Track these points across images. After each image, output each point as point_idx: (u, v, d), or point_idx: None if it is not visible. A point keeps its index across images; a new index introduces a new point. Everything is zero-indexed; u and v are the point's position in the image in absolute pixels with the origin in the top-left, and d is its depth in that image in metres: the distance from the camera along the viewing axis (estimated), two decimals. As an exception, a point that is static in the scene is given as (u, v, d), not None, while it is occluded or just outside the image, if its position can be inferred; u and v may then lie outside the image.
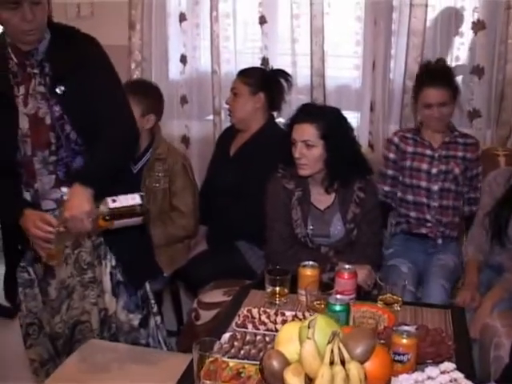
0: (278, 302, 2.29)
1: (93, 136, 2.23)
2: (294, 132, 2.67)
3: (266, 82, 3.24)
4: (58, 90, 2.21)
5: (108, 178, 2.22)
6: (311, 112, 2.71)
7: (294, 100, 3.64)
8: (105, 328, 2.54)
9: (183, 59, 3.93)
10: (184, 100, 3.98)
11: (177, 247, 3.25)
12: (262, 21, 3.77)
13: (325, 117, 2.67)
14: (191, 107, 3.97)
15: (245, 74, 3.27)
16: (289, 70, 3.62)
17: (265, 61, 3.79)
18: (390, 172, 3.20)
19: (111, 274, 2.48)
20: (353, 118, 3.57)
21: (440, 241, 3.14)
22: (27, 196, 2.31)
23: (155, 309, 2.65)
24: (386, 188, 3.21)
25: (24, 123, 2.23)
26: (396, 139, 3.18)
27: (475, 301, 2.72)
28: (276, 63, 3.79)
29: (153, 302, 2.63)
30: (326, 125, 2.63)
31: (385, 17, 3.58)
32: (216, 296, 2.88)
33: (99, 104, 2.23)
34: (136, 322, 2.56)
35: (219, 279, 3.02)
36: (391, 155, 3.19)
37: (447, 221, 3.13)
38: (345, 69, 3.92)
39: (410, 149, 3.15)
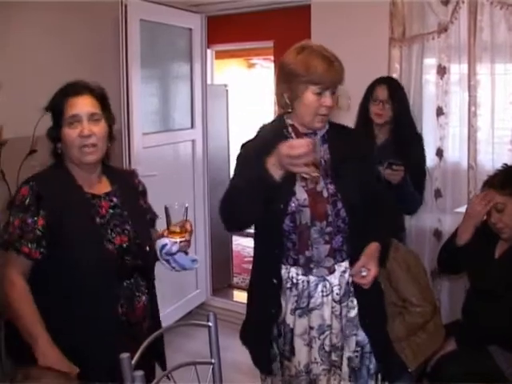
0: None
1: (358, 216, 2.41)
2: None
3: None
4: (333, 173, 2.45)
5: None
6: None
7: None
8: None
9: (439, 153, 3.97)
10: (438, 193, 3.99)
11: (419, 339, 3.19)
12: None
13: None
14: (445, 200, 3.96)
15: None
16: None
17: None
18: None
19: (349, 358, 2.49)
20: None
21: None
22: (298, 261, 2.44)
23: None
24: None
25: (301, 194, 2.40)
26: None
27: None
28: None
29: None
30: None
31: None
32: (464, 399, 2.79)
33: (372, 189, 2.49)
34: None
35: (467, 381, 2.92)
36: None
37: None
38: None
39: None
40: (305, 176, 2.28)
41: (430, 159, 3.93)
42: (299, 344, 2.44)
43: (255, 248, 2.61)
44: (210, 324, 2.14)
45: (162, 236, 2.37)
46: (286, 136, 2.46)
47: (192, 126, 5.27)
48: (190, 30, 5.16)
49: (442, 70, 3.93)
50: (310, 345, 2.44)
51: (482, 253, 3.18)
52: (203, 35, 5.30)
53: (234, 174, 2.49)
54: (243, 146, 2.53)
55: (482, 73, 3.82)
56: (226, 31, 6.40)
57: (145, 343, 2.05)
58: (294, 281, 2.43)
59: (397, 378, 3.11)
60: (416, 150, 3.64)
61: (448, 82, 3.94)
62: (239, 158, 2.51)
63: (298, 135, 2.46)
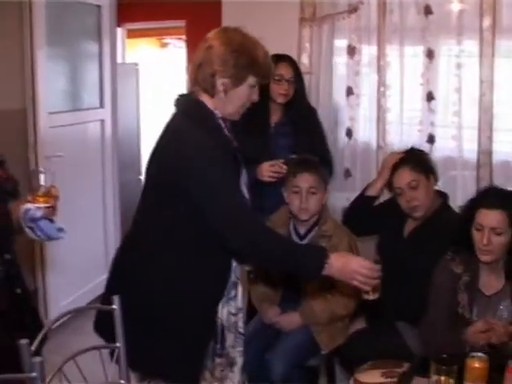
0: (442, 393, 2.20)
1: None
2: (480, 217, 2.59)
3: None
4: None
5: None
6: (500, 198, 2.64)
7: (460, 176, 3.60)
8: None
9: (349, 133, 4.00)
10: (348, 173, 4.03)
11: (337, 326, 3.20)
12: (429, 97, 3.78)
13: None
14: (354, 180, 4.00)
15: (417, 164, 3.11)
16: (452, 144, 3.71)
17: (431, 137, 3.79)
18: None
19: None
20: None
21: None
22: None
23: None
24: None
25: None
26: None
27: None
28: (439, 135, 3.83)
29: None
30: None
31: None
32: (374, 376, 2.79)
33: None
34: None
35: (377, 359, 2.96)
36: None
37: None
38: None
39: None
40: (364, 295, 2.34)
41: (340, 139, 3.97)
42: (227, 334, 2.37)
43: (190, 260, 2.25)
44: (115, 307, 2.08)
45: (26, 202, 2.25)
46: (222, 129, 2.28)
47: (101, 106, 5.12)
48: (99, 6, 5.00)
49: (352, 51, 3.97)
50: (231, 331, 2.38)
51: (390, 232, 3.23)
52: (112, 12, 5.15)
53: (221, 182, 2.17)
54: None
55: (391, 54, 3.88)
56: (137, 9, 6.30)
57: (44, 330, 1.98)
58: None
59: (308, 357, 3.14)
60: (316, 128, 3.54)
61: (359, 62, 3.98)
62: (206, 155, 2.15)
63: (227, 128, 2.32)
